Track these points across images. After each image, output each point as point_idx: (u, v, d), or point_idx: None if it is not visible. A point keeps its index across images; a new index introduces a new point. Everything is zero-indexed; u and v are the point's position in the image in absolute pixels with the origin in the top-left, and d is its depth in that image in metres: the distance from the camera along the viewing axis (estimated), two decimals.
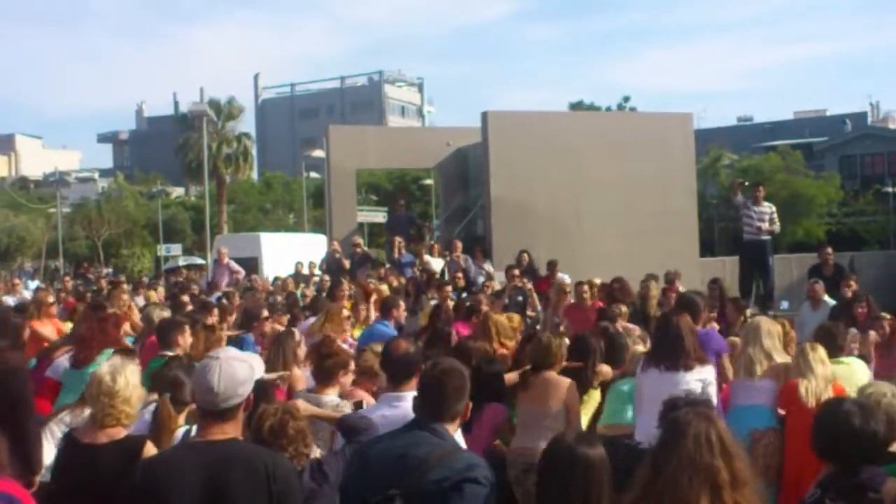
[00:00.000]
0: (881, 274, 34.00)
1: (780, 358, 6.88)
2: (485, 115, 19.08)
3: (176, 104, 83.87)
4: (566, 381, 6.69)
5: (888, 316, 9.55)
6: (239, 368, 3.58)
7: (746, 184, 17.87)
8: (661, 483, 3.32)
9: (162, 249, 48.87)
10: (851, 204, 49.96)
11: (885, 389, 4.79)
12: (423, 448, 3.62)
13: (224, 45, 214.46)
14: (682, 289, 13.30)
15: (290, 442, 4.31)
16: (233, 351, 3.81)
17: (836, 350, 6.98)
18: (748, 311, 10.99)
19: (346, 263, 17.58)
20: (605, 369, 7.52)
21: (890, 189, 49.23)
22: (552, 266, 15.27)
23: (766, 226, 15.00)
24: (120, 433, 4.66)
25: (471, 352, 7.24)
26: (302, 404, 4.85)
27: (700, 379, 6.21)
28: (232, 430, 3.58)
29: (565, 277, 14.08)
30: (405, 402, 4.64)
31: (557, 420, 6.47)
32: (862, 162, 56.07)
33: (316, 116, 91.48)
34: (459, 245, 16.85)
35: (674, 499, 3.27)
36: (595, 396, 7.36)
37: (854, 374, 6.86)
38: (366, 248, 21.20)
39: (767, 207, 15.21)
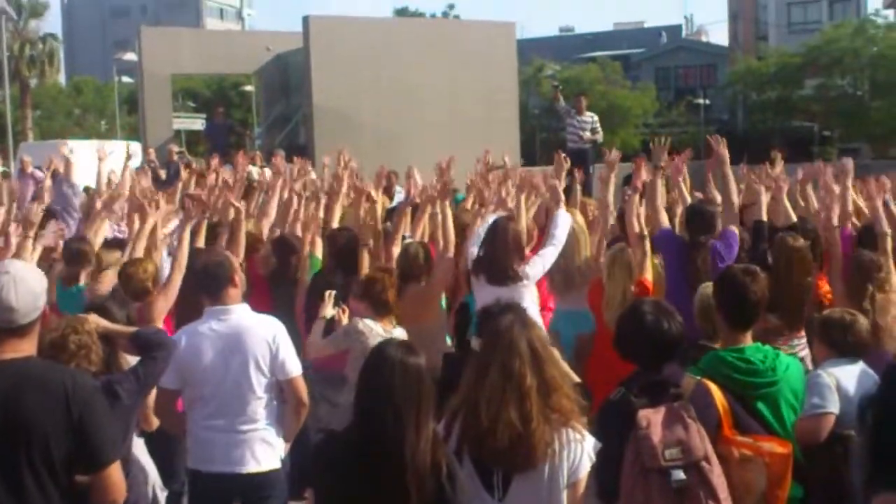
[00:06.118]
0: (691, 182, 35.54)
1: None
2: (306, 20, 18.49)
3: None
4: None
5: None
6: (34, 280, 3.32)
7: (561, 87, 18.13)
8: (480, 390, 3.36)
9: None
10: (665, 115, 51.79)
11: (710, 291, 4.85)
12: None
13: None
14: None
15: (71, 357, 4.05)
16: (19, 262, 3.53)
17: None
18: None
19: (162, 173, 16.82)
20: None
21: (701, 101, 51.30)
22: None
23: (588, 135, 15.39)
24: None
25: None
26: (94, 318, 4.41)
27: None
28: (29, 348, 3.31)
29: None
30: (233, 315, 4.84)
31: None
32: (676, 74, 58.05)
33: (127, 16, 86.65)
34: (281, 154, 16.39)
35: (489, 406, 3.32)
36: None
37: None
38: (189, 157, 20.33)
39: (589, 117, 15.63)
